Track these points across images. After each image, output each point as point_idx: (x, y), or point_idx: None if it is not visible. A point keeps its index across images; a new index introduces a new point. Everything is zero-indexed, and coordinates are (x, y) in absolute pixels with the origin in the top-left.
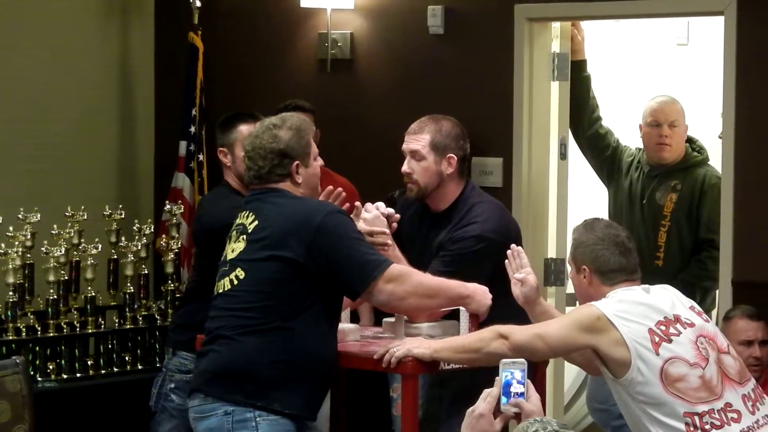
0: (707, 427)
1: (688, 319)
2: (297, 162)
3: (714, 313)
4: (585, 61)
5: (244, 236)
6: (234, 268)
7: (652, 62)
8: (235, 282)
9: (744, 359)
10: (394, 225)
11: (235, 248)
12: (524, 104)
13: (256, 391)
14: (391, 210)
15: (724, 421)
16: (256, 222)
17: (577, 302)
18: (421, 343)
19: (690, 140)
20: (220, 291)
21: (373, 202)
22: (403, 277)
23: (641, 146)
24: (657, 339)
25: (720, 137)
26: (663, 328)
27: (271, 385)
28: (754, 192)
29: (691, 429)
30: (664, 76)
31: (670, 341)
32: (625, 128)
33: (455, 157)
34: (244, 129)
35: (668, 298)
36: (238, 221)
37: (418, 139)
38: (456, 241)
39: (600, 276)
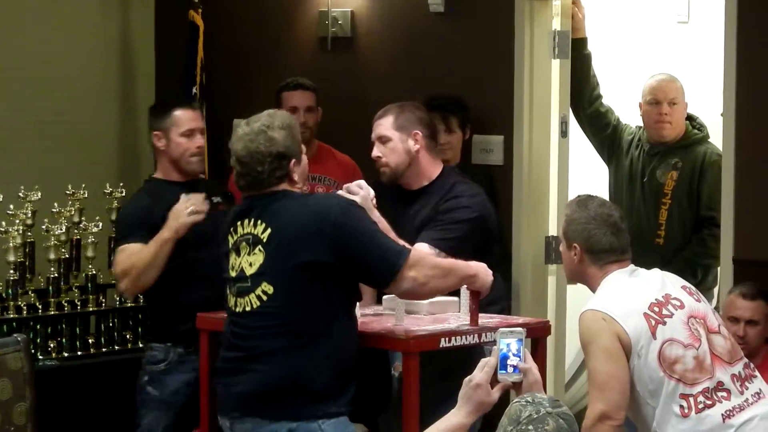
0: (700, 407)
1: (678, 298)
2: (294, 160)
3: (715, 291)
4: (586, 39)
5: (260, 246)
6: (258, 283)
7: (652, 40)
8: (264, 298)
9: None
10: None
11: (253, 261)
12: (525, 82)
13: (313, 401)
14: (368, 188)
15: (715, 400)
16: (269, 230)
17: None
18: None
19: (690, 118)
20: (247, 309)
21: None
22: (422, 260)
23: (641, 124)
24: (653, 322)
25: (721, 115)
26: (657, 309)
27: (324, 391)
28: (755, 169)
29: (686, 411)
30: (664, 54)
31: (665, 323)
32: (625, 106)
33: (420, 133)
34: (179, 113)
35: (657, 279)
36: (241, 231)
37: (382, 123)
38: (449, 210)
39: (590, 255)
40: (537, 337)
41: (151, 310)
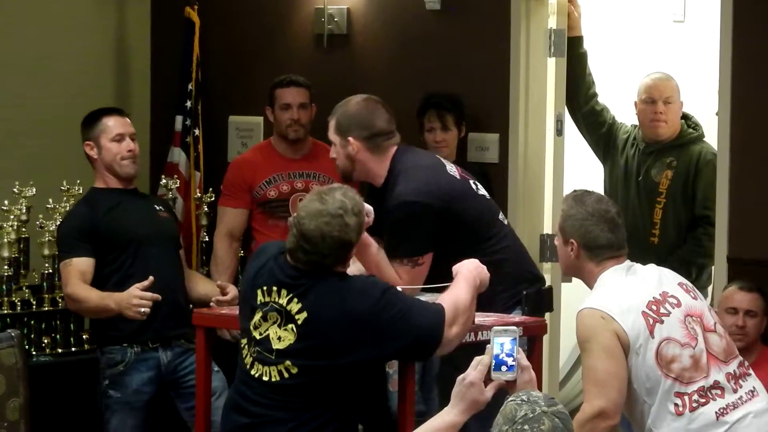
0: (694, 405)
1: (675, 296)
2: (353, 249)
3: (709, 289)
4: (581, 37)
5: (293, 326)
6: (282, 361)
7: (648, 39)
8: (286, 375)
9: (728, 327)
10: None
11: (282, 337)
12: (521, 80)
13: None
14: (368, 207)
15: (710, 398)
16: (304, 314)
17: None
18: None
19: (686, 117)
20: (264, 379)
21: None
22: (457, 311)
23: (637, 123)
24: (651, 321)
25: (716, 114)
26: (654, 308)
27: None
28: (750, 169)
29: (680, 409)
30: (660, 53)
31: (662, 322)
32: (621, 105)
33: (355, 140)
34: (109, 121)
35: (654, 276)
36: (276, 297)
37: (330, 126)
38: (388, 218)
39: (588, 251)
40: (533, 336)
41: (99, 321)
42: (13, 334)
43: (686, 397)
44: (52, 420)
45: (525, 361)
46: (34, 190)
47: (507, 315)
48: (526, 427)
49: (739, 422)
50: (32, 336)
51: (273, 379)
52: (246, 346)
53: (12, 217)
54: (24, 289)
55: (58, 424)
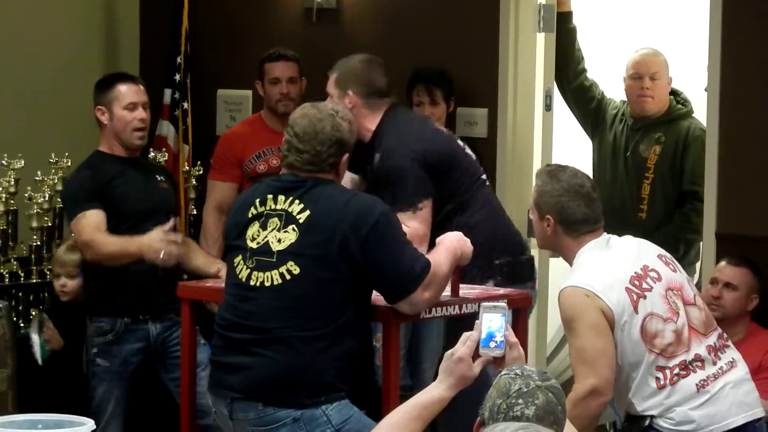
0: (675, 378)
1: (655, 269)
2: (347, 155)
3: (697, 265)
4: (571, 12)
5: (294, 226)
6: (285, 261)
7: (637, 14)
8: (288, 277)
9: (706, 297)
10: None
11: (282, 238)
12: (510, 56)
13: (317, 389)
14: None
15: (690, 370)
16: (307, 212)
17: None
18: None
19: (674, 93)
20: (266, 284)
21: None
22: (435, 277)
23: (626, 99)
24: (635, 296)
25: (705, 90)
26: (637, 283)
27: (329, 381)
28: (738, 145)
29: (661, 383)
30: (649, 29)
31: (645, 297)
32: (610, 81)
33: (354, 95)
34: (122, 88)
35: (633, 249)
36: (273, 205)
37: (329, 78)
38: (380, 173)
39: (564, 227)
40: (518, 309)
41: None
42: (0, 306)
43: (668, 371)
44: (39, 391)
45: (513, 338)
46: (23, 162)
47: (487, 287)
48: (520, 401)
49: (719, 392)
50: (20, 308)
51: (275, 282)
52: (241, 262)
53: (0, 189)
54: (12, 261)
55: (45, 396)
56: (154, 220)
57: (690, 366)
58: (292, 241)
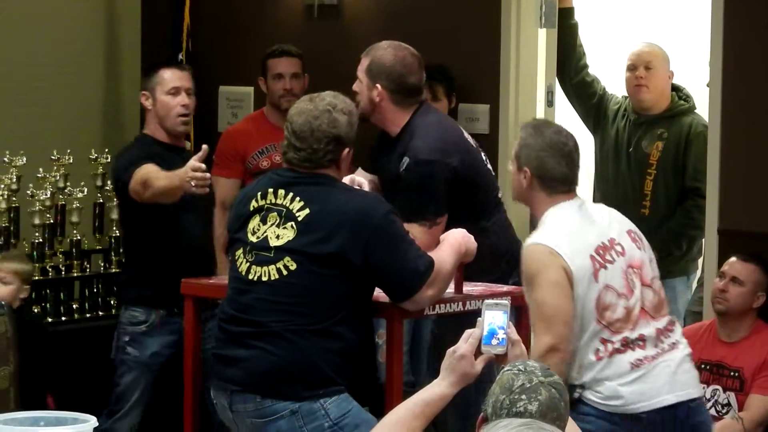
0: (612, 353)
1: (621, 244)
2: (348, 149)
3: (700, 261)
4: (572, 8)
5: (293, 224)
6: (281, 257)
7: (639, 10)
8: (285, 273)
9: (712, 290)
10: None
11: (281, 235)
12: (511, 51)
13: (315, 383)
14: (360, 179)
15: (629, 348)
16: (307, 210)
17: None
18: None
19: (676, 88)
20: (264, 279)
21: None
22: (439, 275)
23: (627, 94)
24: (597, 265)
25: (707, 86)
26: (601, 253)
27: (327, 375)
28: (741, 140)
29: (600, 354)
30: (651, 25)
31: (606, 268)
32: (612, 76)
33: (379, 87)
34: (166, 74)
35: (605, 219)
36: (273, 199)
37: (361, 62)
38: (401, 180)
39: (541, 182)
40: (520, 306)
41: (131, 274)
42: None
43: (609, 344)
44: (41, 388)
45: (515, 335)
46: (25, 159)
47: (494, 285)
48: (523, 396)
49: (653, 371)
50: None
51: (272, 278)
52: (241, 256)
53: (2, 186)
54: None
55: (47, 393)
56: (192, 212)
57: (630, 344)
58: (290, 238)
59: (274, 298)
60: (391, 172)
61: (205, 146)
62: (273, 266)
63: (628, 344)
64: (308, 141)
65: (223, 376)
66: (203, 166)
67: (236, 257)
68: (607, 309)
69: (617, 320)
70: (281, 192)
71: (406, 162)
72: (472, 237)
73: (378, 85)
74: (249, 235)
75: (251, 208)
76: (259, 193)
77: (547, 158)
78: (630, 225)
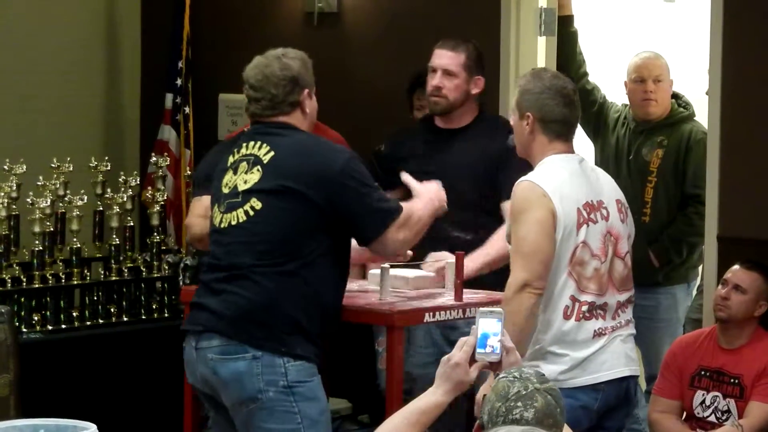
0: (580, 316)
1: (607, 209)
2: (307, 90)
3: (700, 269)
4: (572, 16)
5: (259, 167)
6: (248, 199)
7: (639, 18)
8: (251, 213)
9: (714, 296)
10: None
11: (248, 179)
12: (511, 59)
13: (276, 336)
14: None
15: (593, 316)
16: (272, 153)
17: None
18: None
19: (676, 96)
20: (232, 223)
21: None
22: (409, 219)
23: (627, 103)
24: (582, 219)
25: (707, 93)
26: (588, 210)
27: (287, 330)
28: (740, 148)
29: (569, 313)
30: (650, 33)
31: (589, 225)
32: (611, 84)
33: (482, 79)
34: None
35: (600, 180)
36: (244, 151)
37: (453, 58)
38: (514, 161)
39: (542, 125)
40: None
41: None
42: (3, 311)
43: (577, 305)
44: (42, 397)
45: (509, 343)
46: (25, 167)
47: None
48: (519, 404)
49: (611, 342)
50: (22, 313)
51: (240, 220)
52: (216, 209)
53: (2, 194)
54: (14, 266)
55: (47, 401)
56: None
57: (594, 311)
58: (256, 180)
59: (243, 239)
60: (464, 156)
61: None
62: (241, 209)
63: (592, 312)
64: (264, 89)
65: (193, 321)
66: None
67: (213, 213)
68: (579, 264)
69: (586, 278)
70: (251, 143)
71: (510, 138)
72: (443, 191)
73: (480, 77)
74: (223, 188)
75: (227, 164)
76: (235, 150)
77: (547, 99)
78: (620, 195)
